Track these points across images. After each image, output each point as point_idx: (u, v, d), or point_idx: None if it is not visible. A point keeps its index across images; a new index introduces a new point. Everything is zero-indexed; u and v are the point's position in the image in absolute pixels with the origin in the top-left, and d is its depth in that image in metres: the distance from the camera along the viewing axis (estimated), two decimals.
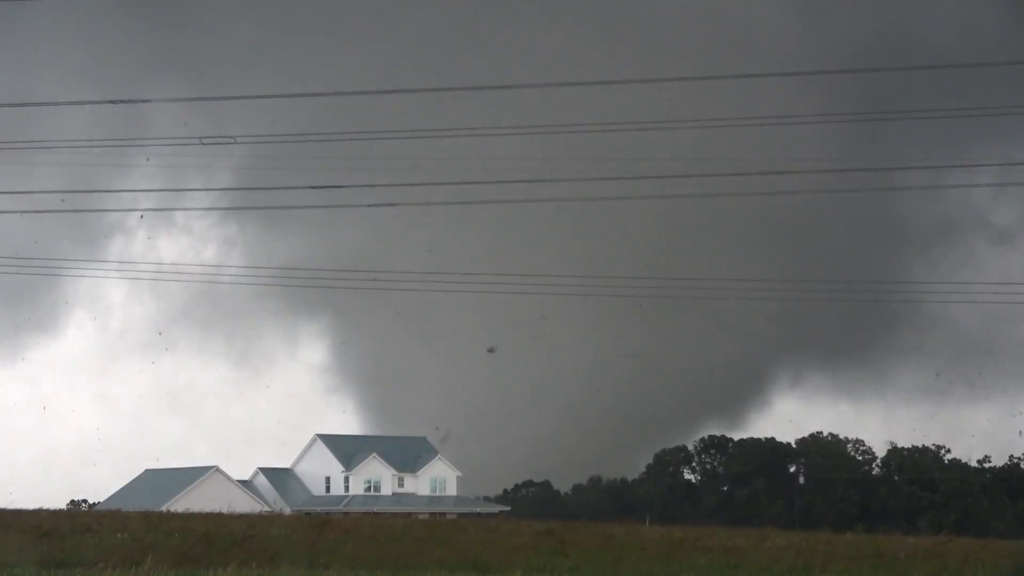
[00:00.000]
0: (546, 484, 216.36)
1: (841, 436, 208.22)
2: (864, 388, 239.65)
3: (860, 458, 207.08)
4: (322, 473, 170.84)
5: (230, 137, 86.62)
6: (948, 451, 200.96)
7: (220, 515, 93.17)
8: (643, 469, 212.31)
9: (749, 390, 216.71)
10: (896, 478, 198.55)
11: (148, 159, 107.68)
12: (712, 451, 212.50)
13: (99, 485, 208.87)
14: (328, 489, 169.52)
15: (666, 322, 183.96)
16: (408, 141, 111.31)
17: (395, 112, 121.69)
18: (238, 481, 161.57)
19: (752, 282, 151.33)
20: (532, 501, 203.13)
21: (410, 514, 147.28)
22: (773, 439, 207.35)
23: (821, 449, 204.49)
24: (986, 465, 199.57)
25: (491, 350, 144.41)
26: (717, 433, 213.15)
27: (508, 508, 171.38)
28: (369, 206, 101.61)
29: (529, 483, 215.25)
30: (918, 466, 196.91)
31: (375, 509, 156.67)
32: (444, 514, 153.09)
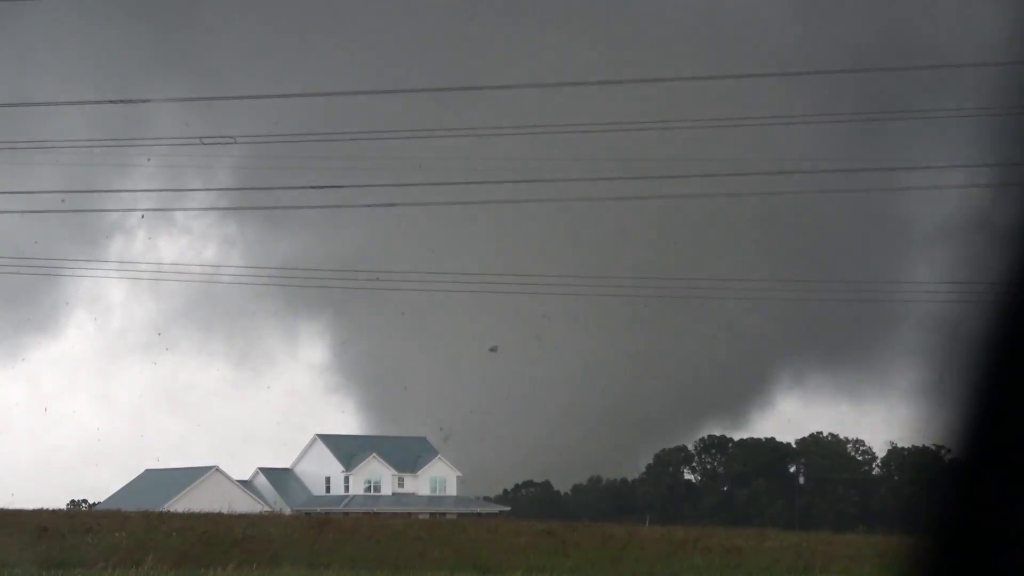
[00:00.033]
0: (546, 484, 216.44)
1: (841, 436, 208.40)
2: (865, 388, 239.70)
3: (860, 458, 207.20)
4: (322, 473, 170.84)
5: (230, 137, 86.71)
6: (948, 451, 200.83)
7: (220, 515, 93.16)
8: (643, 469, 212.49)
9: (749, 390, 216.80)
10: (896, 478, 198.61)
11: (149, 159, 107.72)
12: (712, 451, 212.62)
13: (99, 485, 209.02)
14: (328, 489, 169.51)
15: (666, 322, 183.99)
16: (408, 141, 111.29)
17: (395, 112, 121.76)
18: (238, 481, 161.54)
19: (753, 282, 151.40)
20: (532, 501, 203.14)
21: (410, 514, 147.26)
22: (773, 439, 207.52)
23: (821, 449, 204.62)
24: None
25: (493, 349, 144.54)
26: (717, 433, 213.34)
27: (508, 508, 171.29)
28: (369, 206, 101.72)
29: (529, 483, 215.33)
30: (918, 466, 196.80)
31: (375, 509, 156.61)
32: (444, 514, 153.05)
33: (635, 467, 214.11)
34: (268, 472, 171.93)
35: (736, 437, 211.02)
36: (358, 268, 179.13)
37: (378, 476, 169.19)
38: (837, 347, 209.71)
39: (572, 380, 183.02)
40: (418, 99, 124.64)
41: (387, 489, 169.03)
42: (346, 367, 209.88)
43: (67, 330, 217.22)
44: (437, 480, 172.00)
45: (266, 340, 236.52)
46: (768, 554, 72.19)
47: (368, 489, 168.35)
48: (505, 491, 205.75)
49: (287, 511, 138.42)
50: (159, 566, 56.61)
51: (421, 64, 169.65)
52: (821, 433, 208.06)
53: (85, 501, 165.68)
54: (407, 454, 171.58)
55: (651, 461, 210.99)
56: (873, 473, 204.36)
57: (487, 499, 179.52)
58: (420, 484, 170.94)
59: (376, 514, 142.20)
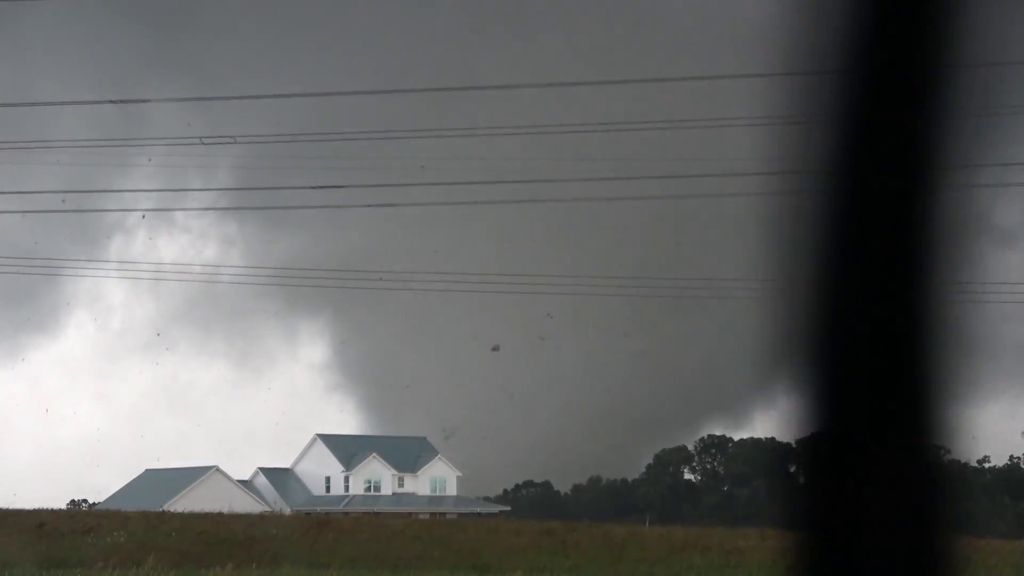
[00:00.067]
0: (546, 484, 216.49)
1: None
2: None
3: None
4: (322, 473, 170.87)
5: (230, 137, 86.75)
6: (948, 451, 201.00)
7: (220, 515, 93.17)
8: (643, 469, 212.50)
9: (750, 390, 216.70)
10: None
11: (150, 159, 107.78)
12: (712, 451, 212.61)
13: (100, 485, 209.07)
14: (328, 489, 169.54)
15: (667, 322, 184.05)
16: (409, 141, 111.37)
17: (395, 112, 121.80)
18: (238, 481, 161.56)
19: (753, 282, 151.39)
20: (532, 501, 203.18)
21: (410, 514, 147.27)
22: (773, 439, 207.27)
23: None
24: (986, 465, 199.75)
25: (495, 348, 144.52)
26: (717, 433, 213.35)
27: (508, 508, 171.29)
28: (369, 206, 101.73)
29: (529, 483, 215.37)
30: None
31: (375, 509, 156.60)
32: (444, 514, 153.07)
33: (635, 467, 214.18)
34: (268, 472, 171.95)
35: (736, 437, 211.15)
36: (361, 268, 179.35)
37: (378, 476, 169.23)
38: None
39: (572, 380, 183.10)
40: (418, 99, 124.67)
41: (387, 489, 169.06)
42: (346, 367, 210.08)
43: (67, 330, 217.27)
44: (437, 480, 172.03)
45: (266, 340, 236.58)
46: (768, 554, 72.13)
47: (368, 489, 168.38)
48: (505, 491, 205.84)
49: (287, 511, 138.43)
50: (159, 566, 56.62)
51: (421, 64, 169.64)
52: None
53: (85, 501, 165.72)
54: (407, 454, 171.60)
55: (651, 461, 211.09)
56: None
57: (487, 499, 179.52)
58: (420, 484, 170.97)
59: (376, 514, 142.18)
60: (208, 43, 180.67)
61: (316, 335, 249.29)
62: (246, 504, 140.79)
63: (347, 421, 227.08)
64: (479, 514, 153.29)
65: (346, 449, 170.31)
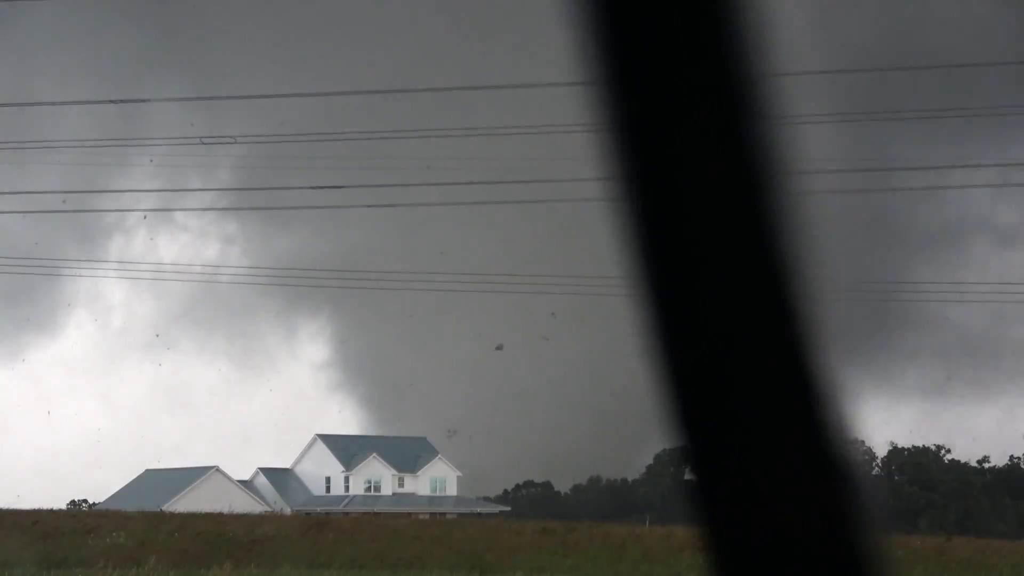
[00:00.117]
0: (546, 484, 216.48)
1: None
2: (864, 388, 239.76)
3: (860, 458, 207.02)
4: (322, 473, 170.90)
5: (230, 137, 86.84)
6: (948, 451, 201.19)
7: (220, 515, 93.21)
8: (643, 469, 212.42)
9: None
10: (896, 478, 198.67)
11: (152, 159, 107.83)
12: None
13: (100, 485, 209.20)
14: (328, 489, 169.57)
15: None
16: (409, 141, 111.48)
17: (396, 112, 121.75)
18: (238, 481, 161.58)
19: None
20: (532, 501, 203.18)
21: (410, 514, 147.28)
22: None
23: None
24: (986, 465, 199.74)
25: (499, 347, 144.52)
26: None
27: (508, 508, 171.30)
28: (369, 206, 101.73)
29: (529, 483, 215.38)
30: (918, 466, 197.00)
31: (375, 509, 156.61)
32: (444, 514, 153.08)
33: (635, 467, 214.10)
34: (268, 472, 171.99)
35: None
36: (361, 268, 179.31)
37: (378, 476, 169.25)
38: (837, 347, 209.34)
39: (572, 380, 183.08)
40: (418, 99, 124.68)
41: (387, 489, 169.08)
42: (347, 367, 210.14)
43: (67, 330, 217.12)
44: (437, 480, 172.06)
45: (266, 340, 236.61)
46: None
47: (368, 489, 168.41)
48: (505, 491, 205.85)
49: (287, 511, 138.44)
50: (159, 566, 56.64)
51: (421, 64, 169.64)
52: None
53: (85, 501, 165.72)
54: (407, 454, 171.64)
55: (651, 461, 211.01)
56: (873, 473, 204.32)
57: (487, 499, 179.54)
58: (420, 484, 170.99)
59: (376, 514, 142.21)
60: (208, 43, 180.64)
61: (316, 335, 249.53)
62: (246, 504, 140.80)
63: (347, 421, 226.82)
64: (479, 514, 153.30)
65: (346, 449, 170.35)
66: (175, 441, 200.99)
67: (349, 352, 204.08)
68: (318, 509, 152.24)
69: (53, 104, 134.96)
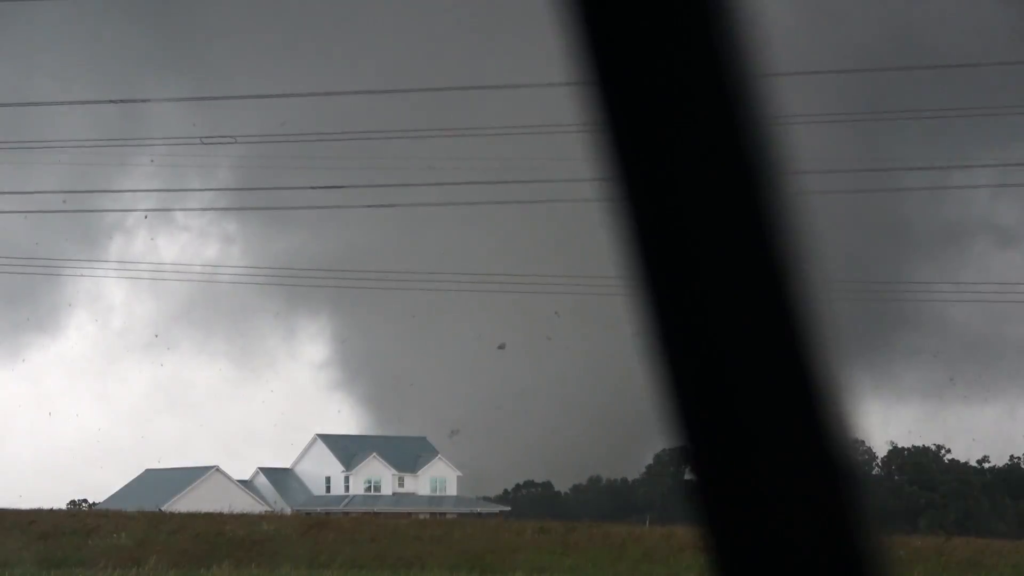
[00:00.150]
0: (546, 484, 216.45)
1: None
2: (864, 388, 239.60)
3: (860, 458, 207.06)
4: (322, 473, 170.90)
5: (230, 137, 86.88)
6: (948, 451, 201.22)
7: (220, 515, 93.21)
8: (643, 469, 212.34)
9: None
10: (896, 478, 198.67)
11: (152, 159, 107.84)
12: None
13: (100, 485, 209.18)
14: (328, 489, 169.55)
15: None
16: (409, 141, 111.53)
17: (395, 112, 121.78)
18: (238, 481, 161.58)
19: None
20: (532, 501, 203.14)
21: (410, 514, 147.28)
22: None
23: None
24: (986, 465, 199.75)
25: (501, 347, 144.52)
26: None
27: (508, 508, 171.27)
28: (369, 206, 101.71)
29: (529, 483, 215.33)
30: (918, 466, 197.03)
31: (375, 509, 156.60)
32: (444, 514, 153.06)
33: (635, 467, 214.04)
34: (268, 472, 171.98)
35: None
36: (363, 268, 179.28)
37: (378, 476, 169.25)
38: (837, 347, 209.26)
39: (572, 380, 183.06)
40: (418, 99, 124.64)
41: (387, 489, 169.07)
42: (347, 366, 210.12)
43: (68, 330, 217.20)
44: (437, 480, 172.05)
45: (267, 340, 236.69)
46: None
47: (368, 489, 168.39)
48: (505, 491, 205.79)
49: (287, 511, 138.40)
50: (159, 566, 56.64)
51: (421, 64, 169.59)
52: None
53: (85, 501, 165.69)
54: (407, 454, 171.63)
55: (651, 461, 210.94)
56: (873, 473, 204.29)
57: (487, 499, 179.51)
58: (420, 484, 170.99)
59: (376, 514, 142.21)
60: (208, 43, 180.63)
61: (316, 335, 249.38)
62: (246, 504, 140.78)
63: (347, 421, 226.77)
64: (479, 514, 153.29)
65: (346, 449, 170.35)
66: (175, 441, 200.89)
67: (349, 352, 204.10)
68: (318, 509, 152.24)
69: (53, 104, 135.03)
